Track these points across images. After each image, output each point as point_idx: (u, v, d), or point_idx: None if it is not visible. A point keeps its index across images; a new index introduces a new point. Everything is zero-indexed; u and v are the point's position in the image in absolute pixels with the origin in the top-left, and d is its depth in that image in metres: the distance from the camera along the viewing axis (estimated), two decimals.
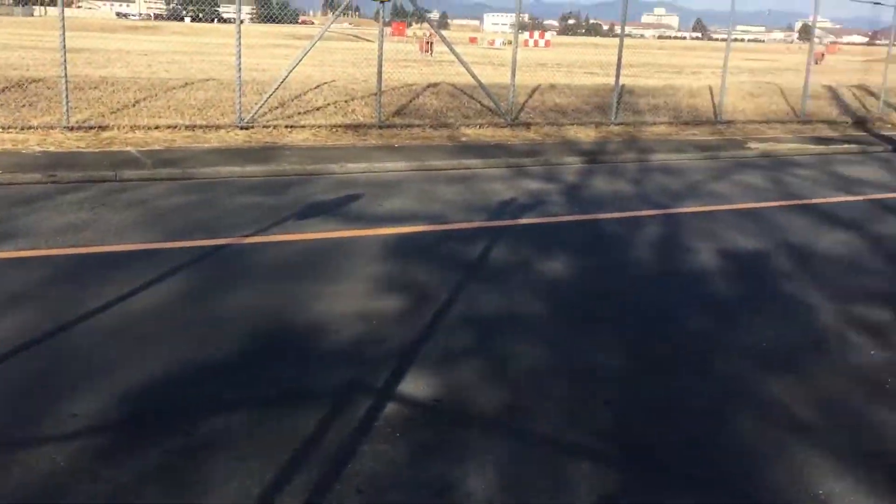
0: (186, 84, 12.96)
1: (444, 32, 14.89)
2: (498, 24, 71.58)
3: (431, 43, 28.80)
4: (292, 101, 12.59)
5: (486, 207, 7.99)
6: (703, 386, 4.12)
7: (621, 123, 14.03)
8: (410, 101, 13.53)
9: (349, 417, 3.56)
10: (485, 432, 3.52)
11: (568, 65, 27.26)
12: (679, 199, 8.86)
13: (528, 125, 13.15)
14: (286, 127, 11.45)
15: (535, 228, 7.34)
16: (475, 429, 3.55)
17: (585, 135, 12.96)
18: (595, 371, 4.24)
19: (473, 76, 12.81)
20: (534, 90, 15.40)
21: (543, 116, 13.82)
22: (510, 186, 9.08)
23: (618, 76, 13.96)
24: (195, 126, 10.97)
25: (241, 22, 10.96)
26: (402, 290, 5.36)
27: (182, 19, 41.28)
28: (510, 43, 14.13)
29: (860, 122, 16.64)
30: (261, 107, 11.43)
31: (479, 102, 13.71)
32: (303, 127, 11.57)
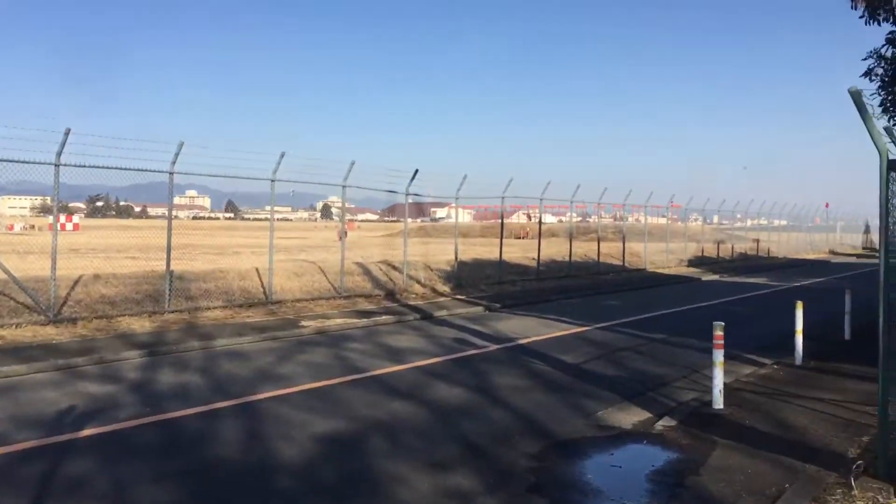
0: None
1: None
2: (16, 206, 65.50)
3: None
4: None
5: (40, 421, 7.05)
6: None
7: (176, 311, 13.70)
8: None
9: None
10: None
11: (104, 249, 26.03)
12: (251, 385, 8.86)
13: (74, 320, 12.08)
14: None
15: (103, 439, 6.66)
16: None
17: (140, 326, 12.35)
18: None
19: (2, 268, 11.50)
20: (76, 281, 14.35)
21: (91, 309, 12.85)
22: (65, 392, 8.18)
23: (168, 262, 13.77)
24: None
25: None
26: None
27: None
28: (33, 227, 13.12)
29: (390, 294, 18.71)
30: None
31: (13, 299, 12.28)
32: None
